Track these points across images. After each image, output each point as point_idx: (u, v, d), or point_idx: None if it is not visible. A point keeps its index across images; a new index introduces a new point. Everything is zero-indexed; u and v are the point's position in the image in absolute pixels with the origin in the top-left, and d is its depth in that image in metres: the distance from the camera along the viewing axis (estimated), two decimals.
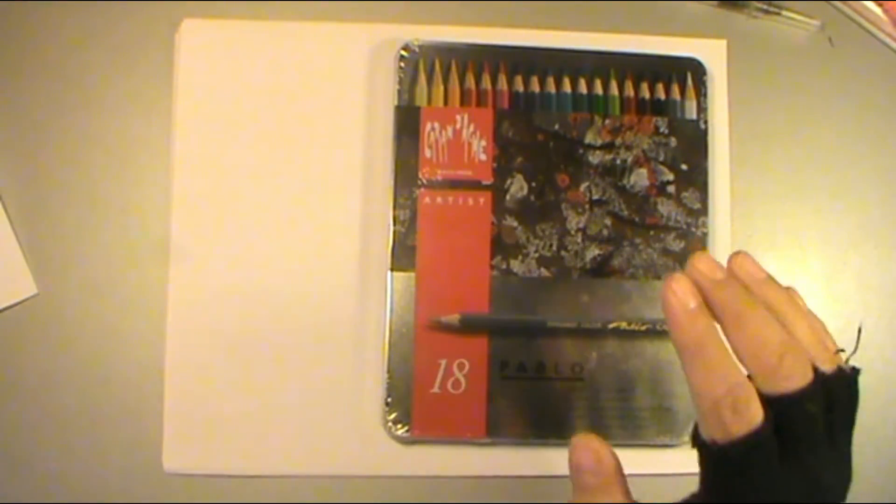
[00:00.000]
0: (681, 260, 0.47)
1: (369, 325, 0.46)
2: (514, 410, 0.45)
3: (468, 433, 0.45)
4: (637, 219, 0.47)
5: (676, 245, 0.47)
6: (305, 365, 0.46)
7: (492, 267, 0.46)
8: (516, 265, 0.46)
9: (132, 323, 0.47)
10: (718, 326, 0.32)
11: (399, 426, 0.45)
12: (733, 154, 0.49)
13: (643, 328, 0.46)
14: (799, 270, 0.49)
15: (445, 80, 0.47)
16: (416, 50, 0.47)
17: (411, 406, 0.45)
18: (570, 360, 0.46)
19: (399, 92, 0.47)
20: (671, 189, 0.48)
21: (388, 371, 0.45)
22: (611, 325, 0.46)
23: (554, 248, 0.47)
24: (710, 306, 0.32)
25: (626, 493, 0.33)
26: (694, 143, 0.48)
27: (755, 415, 0.31)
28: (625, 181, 0.48)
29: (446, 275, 0.46)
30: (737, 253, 0.35)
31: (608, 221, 0.47)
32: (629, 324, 0.46)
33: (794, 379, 0.31)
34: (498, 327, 0.46)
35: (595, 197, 0.47)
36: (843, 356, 0.35)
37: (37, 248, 0.47)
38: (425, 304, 0.46)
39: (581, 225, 0.47)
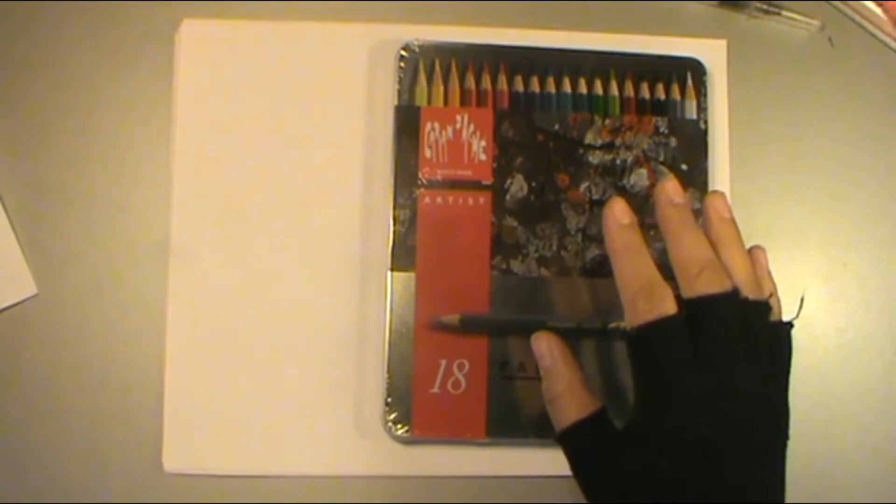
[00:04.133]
0: None
1: (369, 325, 0.46)
2: (514, 410, 0.45)
3: (468, 433, 0.45)
4: (637, 219, 0.47)
5: None
6: (305, 365, 0.46)
7: (492, 267, 0.46)
8: (516, 265, 0.46)
9: (132, 323, 0.47)
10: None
11: (399, 426, 0.45)
12: (733, 154, 0.49)
13: None
14: (799, 270, 0.49)
15: (445, 80, 0.47)
16: (416, 50, 0.47)
17: (411, 406, 0.45)
18: None
19: (399, 92, 0.47)
20: None
21: (388, 371, 0.45)
22: (611, 325, 0.45)
23: (554, 248, 0.47)
24: (660, 221, 0.39)
25: (577, 373, 0.39)
26: (694, 143, 0.48)
27: (668, 307, 0.36)
28: (625, 181, 0.48)
29: (446, 275, 0.46)
30: (714, 192, 0.41)
31: None
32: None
33: (711, 286, 0.36)
34: (498, 327, 0.46)
35: (595, 197, 0.47)
36: (781, 310, 0.39)
37: (37, 248, 0.47)
38: (425, 304, 0.46)
39: (581, 225, 0.47)
